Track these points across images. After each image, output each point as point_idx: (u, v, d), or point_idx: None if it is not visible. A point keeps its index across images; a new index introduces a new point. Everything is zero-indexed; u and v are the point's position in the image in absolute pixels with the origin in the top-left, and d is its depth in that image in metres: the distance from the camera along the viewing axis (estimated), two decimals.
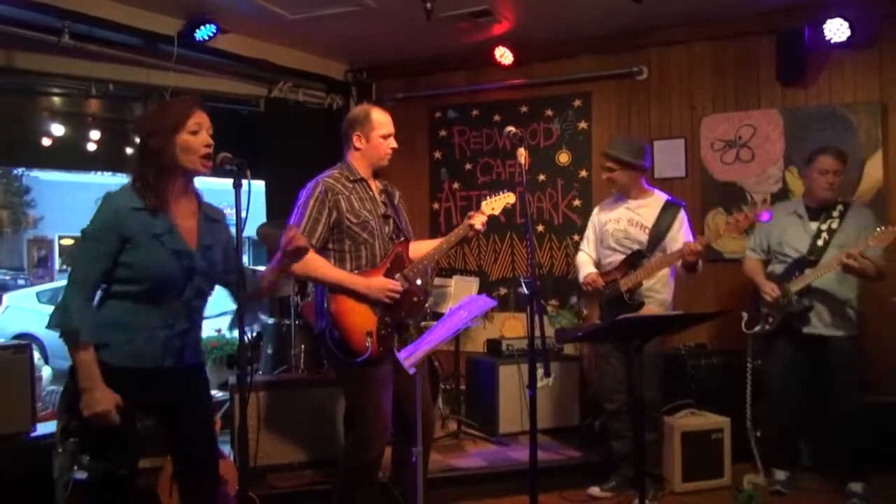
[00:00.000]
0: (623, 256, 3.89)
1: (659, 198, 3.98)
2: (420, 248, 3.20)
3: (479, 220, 3.14)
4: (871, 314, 4.52)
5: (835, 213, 3.88)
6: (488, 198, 3.25)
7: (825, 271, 3.73)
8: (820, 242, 3.85)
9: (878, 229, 3.57)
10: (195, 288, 2.38)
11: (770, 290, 3.89)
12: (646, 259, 3.80)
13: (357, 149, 3.13)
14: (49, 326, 2.24)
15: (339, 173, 3.11)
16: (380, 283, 2.99)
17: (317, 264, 2.96)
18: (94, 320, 2.25)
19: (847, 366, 3.86)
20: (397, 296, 3.01)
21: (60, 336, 2.22)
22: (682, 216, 3.91)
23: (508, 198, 3.25)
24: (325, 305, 2.97)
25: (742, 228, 3.60)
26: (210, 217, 2.49)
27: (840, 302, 3.84)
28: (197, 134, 2.33)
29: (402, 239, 3.18)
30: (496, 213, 3.23)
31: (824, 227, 3.87)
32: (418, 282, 3.11)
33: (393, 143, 3.17)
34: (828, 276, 3.77)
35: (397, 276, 3.07)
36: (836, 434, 3.94)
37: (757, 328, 4.01)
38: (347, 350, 2.96)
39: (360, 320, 2.97)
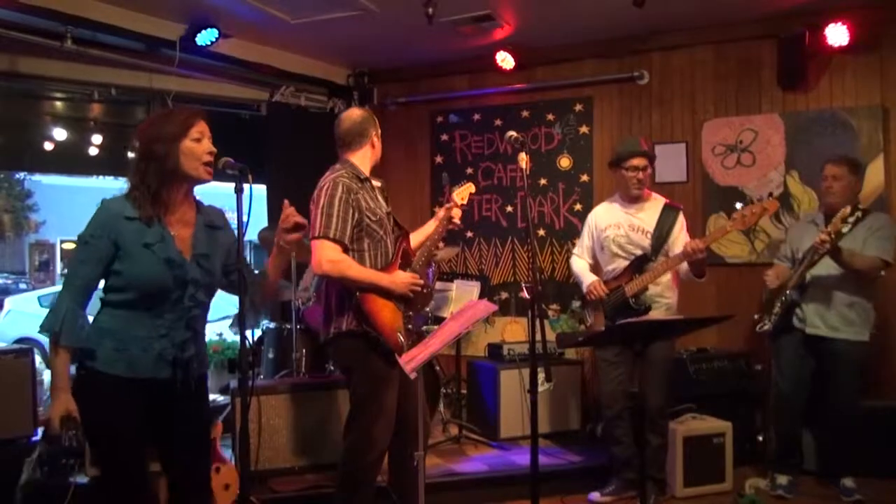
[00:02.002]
0: (626, 262, 3.88)
1: (657, 201, 3.97)
2: (413, 239, 3.33)
3: (457, 214, 3.32)
4: (884, 318, 4.51)
5: (850, 219, 3.87)
6: (456, 188, 3.41)
7: (814, 260, 3.80)
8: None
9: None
10: (190, 297, 2.35)
11: (769, 272, 4.06)
12: (650, 263, 3.79)
13: (373, 147, 3.21)
14: (40, 330, 2.25)
15: (347, 173, 3.09)
16: (404, 279, 3.06)
17: (350, 264, 2.98)
18: (81, 326, 2.25)
19: (846, 369, 3.90)
20: (419, 289, 3.09)
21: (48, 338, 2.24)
22: (682, 219, 3.90)
23: (469, 188, 3.44)
24: (358, 305, 2.96)
25: (749, 224, 3.60)
26: (210, 224, 2.46)
27: (843, 304, 3.87)
28: (200, 142, 2.34)
29: (403, 234, 3.24)
30: (464, 202, 3.39)
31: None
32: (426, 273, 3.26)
33: None
34: (830, 277, 3.82)
35: (408, 269, 3.14)
36: (832, 435, 4.01)
37: (764, 327, 4.03)
38: (387, 349, 2.97)
39: (390, 317, 3.02)
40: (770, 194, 4.12)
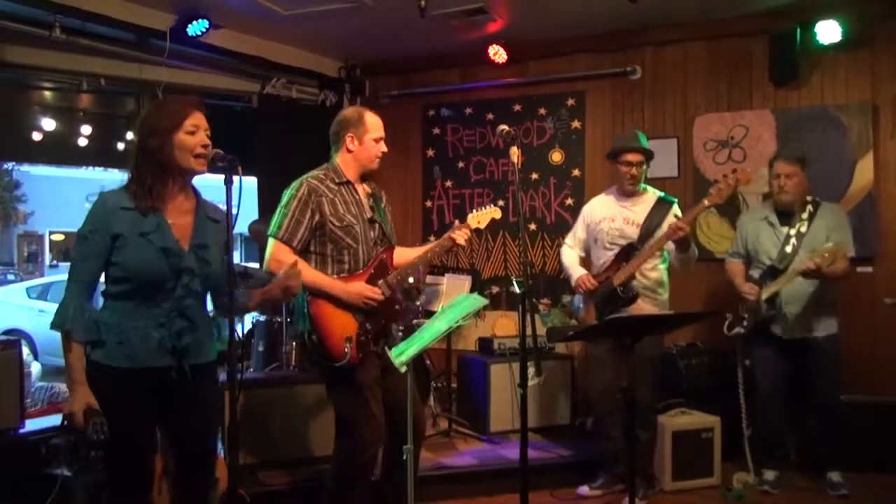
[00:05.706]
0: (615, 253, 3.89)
1: (652, 194, 3.98)
2: (405, 255, 3.21)
3: (461, 237, 3.17)
4: (862, 315, 4.55)
5: (804, 216, 3.91)
6: (474, 211, 3.28)
7: (791, 279, 3.78)
8: (788, 249, 3.88)
9: (825, 245, 3.64)
10: (185, 287, 2.35)
11: (748, 290, 3.95)
12: (637, 252, 3.80)
13: (349, 151, 3.10)
14: (52, 327, 2.30)
15: (324, 174, 3.07)
16: (358, 289, 2.99)
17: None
18: (91, 320, 2.29)
19: (826, 366, 3.93)
20: (374, 303, 3.00)
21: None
22: (676, 212, 3.91)
23: (494, 213, 3.30)
24: (306, 308, 2.96)
25: (725, 196, 3.60)
26: (210, 217, 2.48)
27: (815, 303, 3.87)
28: (194, 134, 2.35)
29: (388, 245, 3.17)
30: (482, 226, 3.27)
31: (793, 231, 3.90)
32: (400, 290, 3.13)
33: (384, 146, 3.16)
34: (800, 284, 3.80)
35: (380, 282, 3.05)
36: (818, 430, 4.04)
37: (735, 330, 4.03)
38: (325, 354, 2.95)
39: (340, 325, 2.96)
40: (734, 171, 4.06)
